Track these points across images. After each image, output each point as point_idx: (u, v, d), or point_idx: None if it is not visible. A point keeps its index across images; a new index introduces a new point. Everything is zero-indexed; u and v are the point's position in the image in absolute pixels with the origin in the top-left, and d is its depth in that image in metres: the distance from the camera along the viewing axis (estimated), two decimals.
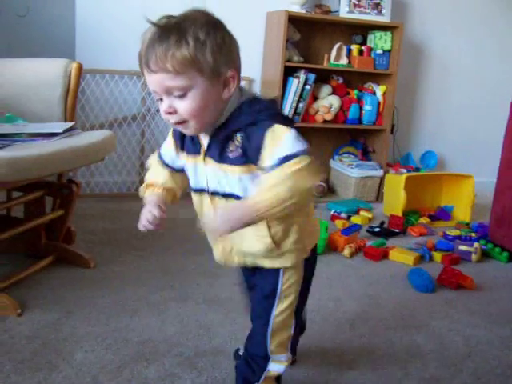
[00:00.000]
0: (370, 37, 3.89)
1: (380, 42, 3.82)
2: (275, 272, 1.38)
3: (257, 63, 3.82)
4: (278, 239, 1.32)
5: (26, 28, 3.42)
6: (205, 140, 1.29)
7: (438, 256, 2.79)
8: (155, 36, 1.17)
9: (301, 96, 3.66)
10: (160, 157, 1.45)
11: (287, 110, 3.64)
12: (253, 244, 1.33)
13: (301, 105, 3.69)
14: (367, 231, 3.13)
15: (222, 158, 1.25)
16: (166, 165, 1.43)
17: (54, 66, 2.40)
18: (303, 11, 3.64)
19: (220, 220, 1.19)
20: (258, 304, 1.44)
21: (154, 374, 1.64)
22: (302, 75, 3.63)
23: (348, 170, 3.86)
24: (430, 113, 4.48)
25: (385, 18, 3.82)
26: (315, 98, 3.88)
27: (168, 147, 1.42)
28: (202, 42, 1.16)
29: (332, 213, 3.43)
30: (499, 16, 4.48)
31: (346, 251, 2.74)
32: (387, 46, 3.82)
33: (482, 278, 2.60)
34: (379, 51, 3.83)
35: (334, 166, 4.05)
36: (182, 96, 1.18)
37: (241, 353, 1.61)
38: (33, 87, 2.38)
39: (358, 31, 3.94)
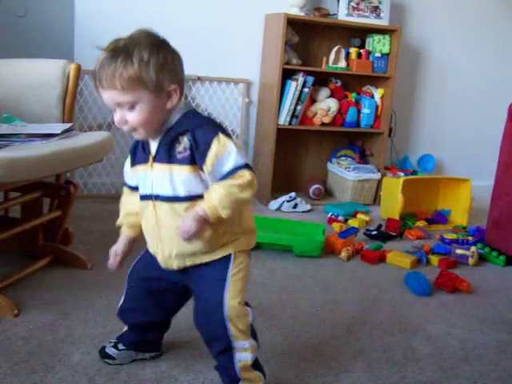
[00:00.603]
0: (369, 40, 3.90)
1: (378, 45, 3.83)
2: (221, 261, 1.47)
3: (255, 66, 3.83)
4: (216, 230, 1.42)
5: (25, 28, 3.42)
6: (153, 146, 1.43)
7: (434, 259, 2.79)
8: (105, 58, 1.34)
9: (299, 99, 3.66)
10: (126, 184, 1.62)
11: (285, 112, 3.64)
12: (191, 243, 1.40)
13: (299, 107, 3.69)
14: (364, 234, 3.13)
15: (170, 158, 1.39)
16: (132, 188, 1.59)
17: (53, 67, 2.40)
18: (302, 14, 3.65)
19: (191, 221, 1.32)
20: (208, 294, 1.48)
21: (150, 375, 1.64)
22: (300, 78, 3.63)
23: (345, 172, 3.86)
24: (427, 116, 4.49)
25: (383, 22, 3.83)
26: (313, 101, 3.88)
27: (127, 169, 1.59)
28: (145, 62, 1.32)
29: (329, 216, 3.43)
30: (497, 19, 4.49)
31: (343, 254, 2.74)
32: (386, 50, 3.83)
33: (479, 281, 2.61)
34: (378, 54, 3.83)
35: (332, 168, 4.05)
36: (131, 108, 1.34)
37: (107, 350, 1.70)
38: (31, 88, 2.38)
39: (357, 34, 3.94)
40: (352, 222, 3.35)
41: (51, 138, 2.13)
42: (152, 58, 1.33)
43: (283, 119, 3.66)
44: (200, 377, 1.65)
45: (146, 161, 1.45)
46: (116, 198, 3.60)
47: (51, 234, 2.42)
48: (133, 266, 1.69)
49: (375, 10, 3.82)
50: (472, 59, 4.49)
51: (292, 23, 3.65)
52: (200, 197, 1.37)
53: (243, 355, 1.48)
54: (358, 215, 3.49)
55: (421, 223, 3.45)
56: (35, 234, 2.37)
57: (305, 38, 3.85)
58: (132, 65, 1.31)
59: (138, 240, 1.60)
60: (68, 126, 2.28)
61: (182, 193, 1.39)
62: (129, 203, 1.60)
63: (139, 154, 1.48)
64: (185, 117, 1.42)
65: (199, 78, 3.62)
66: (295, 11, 3.63)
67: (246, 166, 1.35)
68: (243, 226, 1.50)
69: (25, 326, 1.85)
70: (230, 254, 1.48)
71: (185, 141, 1.37)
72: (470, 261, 2.81)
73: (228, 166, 1.33)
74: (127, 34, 1.40)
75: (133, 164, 1.53)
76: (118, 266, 1.61)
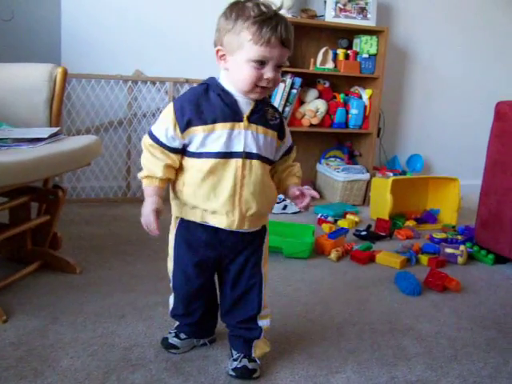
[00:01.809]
0: (356, 41, 3.91)
1: (366, 46, 3.84)
2: (261, 230, 1.64)
3: None
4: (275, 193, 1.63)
5: (11, 32, 3.41)
6: (244, 107, 1.50)
7: (424, 259, 2.80)
8: (282, 20, 1.43)
9: (287, 100, 3.67)
10: (164, 145, 1.51)
11: None
12: (269, 198, 1.59)
13: (287, 109, 3.70)
14: (354, 235, 3.14)
15: (266, 122, 1.53)
16: (173, 149, 1.51)
17: (39, 71, 2.40)
18: (289, 16, 3.65)
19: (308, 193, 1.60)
20: (248, 267, 1.63)
21: (140, 379, 1.63)
22: (288, 79, 3.64)
23: (334, 173, 3.87)
24: (416, 116, 4.51)
25: (370, 23, 3.84)
26: (302, 102, 3.89)
27: (169, 132, 1.49)
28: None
29: (319, 217, 3.44)
30: (483, 20, 4.52)
31: (333, 255, 2.74)
32: (373, 50, 3.84)
33: (468, 280, 2.62)
34: (365, 55, 3.85)
35: (321, 169, 4.06)
36: (279, 69, 1.47)
37: (170, 340, 1.79)
38: (17, 92, 2.37)
39: (344, 35, 3.96)
40: (341, 223, 3.36)
41: (38, 142, 2.12)
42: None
43: None
44: (190, 380, 1.64)
45: (235, 119, 1.48)
46: (105, 201, 3.62)
47: (40, 238, 2.41)
48: (173, 274, 1.71)
49: (362, 11, 3.83)
50: (458, 58, 4.52)
51: None
52: (272, 161, 1.58)
53: (265, 321, 1.69)
54: (348, 216, 3.49)
55: (410, 223, 3.46)
56: (24, 238, 2.36)
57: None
58: (292, 30, 1.47)
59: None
60: (55, 130, 2.27)
61: (267, 154, 1.54)
62: (168, 159, 1.53)
63: (218, 110, 1.48)
64: None
65: (187, 81, 3.61)
66: (282, 13, 3.62)
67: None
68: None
69: (14, 331, 1.84)
70: (266, 226, 1.67)
71: (270, 111, 1.56)
72: (459, 260, 2.82)
73: (289, 141, 1.64)
74: (262, 2, 1.48)
75: (202, 122, 1.47)
76: (158, 229, 1.58)
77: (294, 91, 3.68)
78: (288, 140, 1.62)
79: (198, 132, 1.47)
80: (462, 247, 2.85)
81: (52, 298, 2.10)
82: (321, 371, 1.74)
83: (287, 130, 1.62)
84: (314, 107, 3.83)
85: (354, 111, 3.92)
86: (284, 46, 1.43)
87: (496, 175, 2.82)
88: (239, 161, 1.48)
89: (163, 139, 1.50)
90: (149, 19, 3.53)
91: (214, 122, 1.47)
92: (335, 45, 3.96)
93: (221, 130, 1.47)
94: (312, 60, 3.78)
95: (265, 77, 1.44)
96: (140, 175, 1.60)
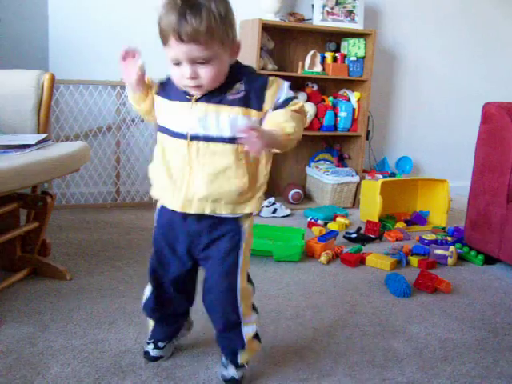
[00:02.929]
0: (344, 44, 3.92)
1: (354, 48, 3.85)
2: (235, 222, 1.51)
3: None
4: (250, 180, 1.46)
5: None
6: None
7: (414, 260, 2.81)
8: (185, 8, 1.27)
9: None
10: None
11: None
12: (227, 183, 1.43)
13: None
14: (344, 237, 3.15)
15: (220, 99, 1.39)
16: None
17: (26, 78, 2.39)
18: (277, 19, 3.66)
19: (263, 136, 1.30)
20: (220, 274, 1.53)
21: None
22: None
23: (324, 176, 3.87)
24: (404, 118, 4.53)
25: (358, 26, 3.86)
26: None
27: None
28: (224, 17, 1.31)
29: (309, 220, 3.44)
30: (470, 21, 4.54)
31: (323, 258, 2.75)
32: (361, 53, 3.85)
33: (458, 281, 2.63)
34: (353, 58, 3.86)
35: (310, 173, 4.06)
36: (205, 63, 1.32)
37: (152, 353, 1.75)
38: (5, 99, 2.36)
39: (332, 39, 3.97)
40: (331, 226, 3.36)
41: (26, 148, 2.12)
42: (227, 13, 1.33)
43: None
44: None
45: (183, 99, 1.42)
46: (94, 207, 3.60)
47: (29, 245, 2.39)
48: (150, 265, 1.68)
49: (349, 14, 3.84)
50: (446, 61, 4.54)
51: (267, 29, 3.66)
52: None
53: (250, 328, 1.60)
54: (338, 219, 3.50)
55: (400, 225, 3.47)
56: (12, 245, 2.35)
57: (280, 43, 3.86)
58: (215, 20, 1.28)
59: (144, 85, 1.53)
60: (43, 136, 2.26)
61: (226, 133, 1.40)
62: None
63: (175, 90, 1.44)
64: (236, 67, 1.43)
65: None
66: (270, 17, 3.64)
67: (296, 98, 1.45)
68: (262, 182, 1.53)
69: (3, 339, 1.83)
70: (243, 216, 1.52)
71: (237, 85, 1.40)
72: (449, 261, 2.83)
73: (282, 97, 1.41)
74: None
75: (164, 96, 1.48)
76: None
77: None
78: (277, 99, 1.41)
79: (158, 102, 1.50)
80: (451, 248, 2.86)
81: (41, 305, 2.09)
82: (312, 374, 1.75)
83: (271, 91, 1.41)
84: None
85: (342, 114, 3.93)
86: (188, 42, 1.28)
87: (484, 176, 2.84)
88: (184, 142, 1.42)
89: None
90: (136, 24, 3.53)
91: (169, 98, 1.46)
92: (323, 48, 3.97)
93: (170, 107, 1.46)
94: (300, 63, 3.78)
95: (185, 76, 1.34)
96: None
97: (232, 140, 1.39)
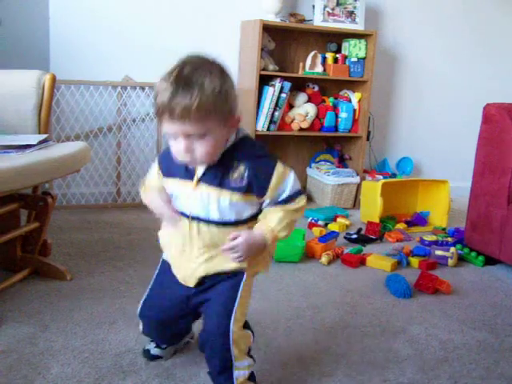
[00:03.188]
0: (345, 45, 3.92)
1: (354, 49, 3.85)
2: (235, 277, 1.50)
3: (232, 72, 3.77)
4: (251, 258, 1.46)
5: None
6: (201, 166, 1.40)
7: (414, 261, 2.81)
8: (177, 88, 1.25)
9: (276, 104, 3.67)
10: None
11: (263, 118, 3.65)
12: (227, 263, 1.45)
13: (277, 113, 3.70)
14: (344, 238, 3.15)
15: (222, 184, 1.38)
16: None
17: (27, 78, 2.39)
18: (278, 20, 3.66)
19: (245, 247, 1.38)
20: (215, 311, 1.51)
21: None
22: (277, 84, 3.64)
23: (325, 177, 3.87)
24: (405, 119, 4.53)
25: (359, 26, 3.86)
26: (291, 107, 3.89)
27: (154, 175, 1.55)
28: (218, 92, 1.28)
29: (309, 220, 3.44)
30: (471, 22, 4.54)
31: (324, 259, 2.75)
32: (362, 54, 3.86)
33: (459, 282, 2.63)
34: (354, 59, 3.86)
35: (311, 173, 4.06)
36: (200, 138, 1.30)
37: (153, 352, 1.76)
38: (6, 99, 2.36)
39: (333, 39, 3.97)
40: (332, 227, 3.36)
41: (27, 149, 2.12)
42: (223, 88, 1.30)
43: (261, 125, 3.67)
44: None
45: (187, 178, 1.42)
46: (95, 208, 3.60)
47: (30, 245, 2.39)
48: (142, 305, 1.69)
49: (350, 14, 3.84)
50: (447, 61, 4.54)
51: (268, 29, 3.66)
52: (243, 221, 1.43)
53: (241, 372, 1.53)
54: (338, 219, 3.50)
55: (400, 226, 3.47)
56: (13, 246, 2.35)
57: (281, 43, 3.87)
58: (207, 96, 1.26)
59: None
60: (44, 136, 2.26)
61: (228, 218, 1.41)
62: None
63: (176, 167, 1.42)
64: (241, 143, 1.42)
65: None
66: (271, 17, 3.65)
67: (301, 192, 1.45)
68: (264, 256, 1.54)
69: (4, 339, 1.83)
70: (243, 274, 1.51)
71: (241, 169, 1.37)
72: (450, 262, 2.83)
73: (286, 192, 1.41)
74: (184, 60, 1.32)
75: (167, 175, 1.49)
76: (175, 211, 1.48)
77: (284, 96, 3.68)
78: (279, 192, 1.41)
79: (164, 182, 1.50)
80: (452, 249, 2.86)
81: (42, 305, 2.09)
82: (312, 375, 1.74)
83: (274, 183, 1.39)
84: (304, 111, 3.84)
85: (343, 115, 3.93)
86: (180, 119, 1.26)
87: (485, 177, 2.84)
88: (186, 222, 1.44)
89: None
90: (137, 25, 3.53)
91: (172, 176, 1.46)
92: (324, 49, 3.98)
93: (172, 186, 1.47)
94: (301, 64, 3.78)
95: (180, 151, 1.33)
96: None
97: (232, 223, 1.42)
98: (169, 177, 1.48)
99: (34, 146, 2.15)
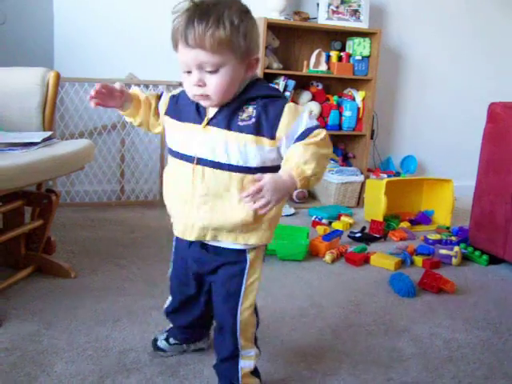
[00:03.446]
0: (349, 43, 3.91)
1: (359, 48, 3.85)
2: (239, 254, 1.45)
3: None
4: (255, 212, 1.34)
5: (3, 37, 3.39)
6: (212, 110, 1.36)
7: (418, 260, 2.80)
8: (194, 13, 1.24)
9: None
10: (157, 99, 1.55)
11: None
12: (230, 213, 1.36)
13: None
14: (348, 237, 3.14)
15: (231, 125, 1.33)
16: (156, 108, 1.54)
17: (32, 75, 2.39)
18: (282, 18, 3.66)
19: (272, 192, 1.22)
20: (222, 299, 1.49)
21: (135, 383, 1.62)
22: (281, 82, 3.64)
23: (329, 175, 3.87)
24: (409, 118, 4.52)
25: (363, 25, 3.85)
26: None
27: (164, 101, 1.52)
28: (236, 26, 1.25)
29: (313, 219, 3.44)
30: (476, 21, 4.53)
31: (328, 257, 2.74)
32: (366, 52, 3.85)
33: (463, 281, 2.62)
34: (358, 57, 3.85)
35: None
36: (214, 72, 1.28)
37: (159, 343, 1.77)
38: (10, 96, 2.36)
39: (337, 37, 3.96)
40: (336, 225, 3.36)
41: (31, 146, 2.12)
42: (242, 24, 1.26)
43: None
44: (185, 383, 1.64)
45: (196, 121, 1.37)
46: (99, 205, 3.60)
47: (34, 243, 2.40)
48: (171, 272, 1.65)
49: (355, 13, 3.83)
50: (451, 60, 4.53)
51: (272, 27, 3.66)
52: (251, 170, 1.32)
53: (247, 363, 1.53)
54: (342, 218, 3.49)
55: (404, 224, 3.46)
56: (17, 243, 2.35)
57: (285, 42, 3.86)
58: (224, 26, 1.23)
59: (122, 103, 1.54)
60: (48, 134, 2.26)
61: (235, 161, 1.32)
62: (147, 101, 1.55)
63: (187, 110, 1.40)
64: (253, 85, 1.37)
65: (180, 84, 3.60)
66: (275, 15, 3.64)
67: (319, 126, 1.33)
68: (272, 216, 1.43)
69: (7, 336, 1.83)
70: (248, 249, 1.45)
71: (250, 110, 1.32)
72: (454, 261, 2.82)
73: (301, 128, 1.30)
74: None
75: (174, 117, 1.44)
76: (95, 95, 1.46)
77: (288, 94, 3.68)
78: (294, 131, 1.30)
79: (168, 122, 1.47)
80: (456, 248, 2.85)
81: (46, 303, 2.10)
82: (316, 374, 1.74)
83: (285, 119, 1.30)
84: (308, 110, 3.83)
85: (347, 113, 3.92)
86: (195, 47, 1.25)
87: (489, 176, 2.83)
88: (190, 165, 1.37)
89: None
90: (141, 22, 3.53)
91: (179, 119, 1.42)
92: (328, 47, 3.97)
93: (181, 129, 1.41)
94: (305, 62, 3.78)
95: (192, 83, 1.30)
96: None
97: (240, 168, 1.33)
98: (177, 119, 1.43)
99: (38, 143, 2.15)
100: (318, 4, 3.79)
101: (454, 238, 3.15)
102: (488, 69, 4.66)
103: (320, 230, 3.22)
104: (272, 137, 1.31)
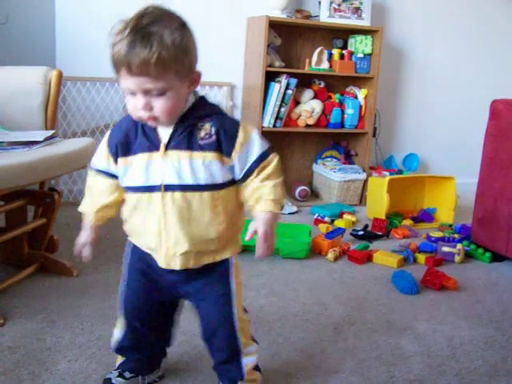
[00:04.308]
0: (351, 41, 3.91)
1: (361, 45, 3.84)
2: (222, 266, 1.45)
3: (238, 69, 3.83)
4: (228, 225, 1.38)
5: (6, 36, 3.40)
6: (164, 133, 1.32)
7: (421, 258, 2.80)
8: (135, 38, 1.20)
9: (283, 101, 3.67)
10: (93, 167, 1.49)
11: (269, 114, 3.65)
12: (206, 232, 1.36)
13: (283, 109, 3.69)
14: (351, 235, 3.14)
15: (192, 145, 1.30)
16: (101, 172, 1.47)
17: (34, 74, 2.39)
18: (284, 16, 3.66)
19: (271, 233, 1.34)
20: (215, 308, 1.46)
21: None
22: (283, 80, 3.63)
23: (331, 173, 3.87)
24: (411, 115, 4.51)
25: (365, 22, 3.84)
26: (297, 103, 3.89)
27: (102, 153, 1.44)
28: (178, 46, 1.21)
29: (315, 217, 3.44)
30: (478, 19, 4.52)
31: (330, 255, 2.74)
32: (368, 50, 3.84)
33: (466, 278, 2.62)
34: (360, 55, 3.85)
35: (317, 170, 4.06)
36: (160, 95, 1.23)
37: (114, 381, 1.56)
38: (12, 95, 2.37)
39: (339, 35, 3.95)
40: (338, 223, 3.35)
41: (34, 145, 2.12)
42: (183, 41, 1.22)
43: (267, 122, 3.66)
44: (188, 382, 1.64)
45: (151, 149, 1.32)
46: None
47: (36, 241, 2.40)
48: (123, 296, 1.56)
49: (356, 10, 3.83)
50: (453, 58, 4.52)
51: (274, 25, 3.65)
52: (218, 186, 1.33)
53: (250, 359, 1.52)
54: (344, 216, 3.49)
55: (407, 222, 3.46)
56: (20, 242, 2.35)
57: (287, 40, 3.86)
58: (167, 49, 1.18)
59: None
60: (50, 133, 2.27)
61: (203, 181, 1.30)
62: (103, 193, 1.50)
63: (138, 141, 1.34)
64: (201, 103, 1.35)
65: None
66: (277, 14, 3.64)
67: (270, 149, 1.35)
68: (240, 224, 1.47)
69: (11, 335, 1.84)
70: (228, 258, 1.45)
71: (206, 127, 1.30)
72: (457, 258, 2.82)
73: (255, 152, 1.32)
74: (142, 11, 1.28)
75: (124, 154, 1.36)
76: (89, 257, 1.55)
77: (290, 92, 3.68)
78: (247, 153, 1.32)
79: (120, 163, 1.38)
80: (458, 246, 2.85)
81: (49, 302, 2.10)
82: (319, 371, 1.74)
83: (241, 138, 1.31)
84: (310, 107, 3.83)
85: (349, 111, 3.92)
86: (139, 75, 1.20)
87: (492, 173, 2.83)
88: (158, 195, 1.32)
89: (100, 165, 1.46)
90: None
91: (133, 153, 1.35)
92: (330, 45, 3.96)
93: (137, 162, 1.35)
94: (307, 60, 3.78)
95: (138, 107, 1.25)
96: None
97: (209, 187, 1.32)
98: (129, 155, 1.36)
99: (40, 142, 2.15)
100: (319, 2, 3.78)
101: (456, 236, 3.15)
102: (490, 66, 4.65)
103: (322, 228, 3.22)
104: (229, 155, 1.31)
